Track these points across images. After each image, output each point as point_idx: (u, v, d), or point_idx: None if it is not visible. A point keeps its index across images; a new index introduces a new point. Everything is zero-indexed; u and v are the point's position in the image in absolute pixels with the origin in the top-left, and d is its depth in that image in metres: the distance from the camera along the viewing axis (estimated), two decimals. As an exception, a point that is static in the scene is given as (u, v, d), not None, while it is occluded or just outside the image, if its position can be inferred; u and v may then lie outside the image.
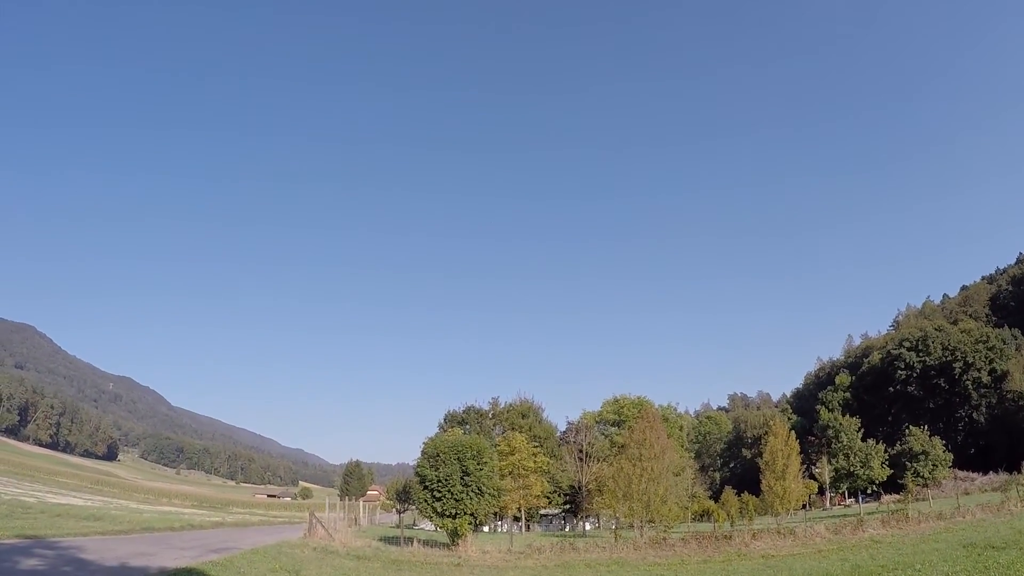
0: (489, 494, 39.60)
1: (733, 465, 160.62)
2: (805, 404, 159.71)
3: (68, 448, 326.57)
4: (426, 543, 42.08)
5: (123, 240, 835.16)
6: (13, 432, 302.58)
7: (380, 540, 44.18)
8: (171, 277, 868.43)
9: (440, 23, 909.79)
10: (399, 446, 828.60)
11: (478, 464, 39.19)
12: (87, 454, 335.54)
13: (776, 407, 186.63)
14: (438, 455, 39.31)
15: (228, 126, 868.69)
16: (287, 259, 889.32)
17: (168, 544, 28.89)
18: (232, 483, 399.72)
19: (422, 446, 41.39)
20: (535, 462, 66.78)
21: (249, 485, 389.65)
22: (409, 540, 42.77)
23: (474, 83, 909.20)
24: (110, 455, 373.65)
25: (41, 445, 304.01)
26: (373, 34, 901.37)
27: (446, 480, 38.60)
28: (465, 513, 38.59)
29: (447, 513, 38.73)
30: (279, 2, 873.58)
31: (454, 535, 39.34)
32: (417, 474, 41.21)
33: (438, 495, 38.78)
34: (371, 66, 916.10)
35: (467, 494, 38.56)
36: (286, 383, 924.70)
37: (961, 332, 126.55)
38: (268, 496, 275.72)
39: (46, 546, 23.97)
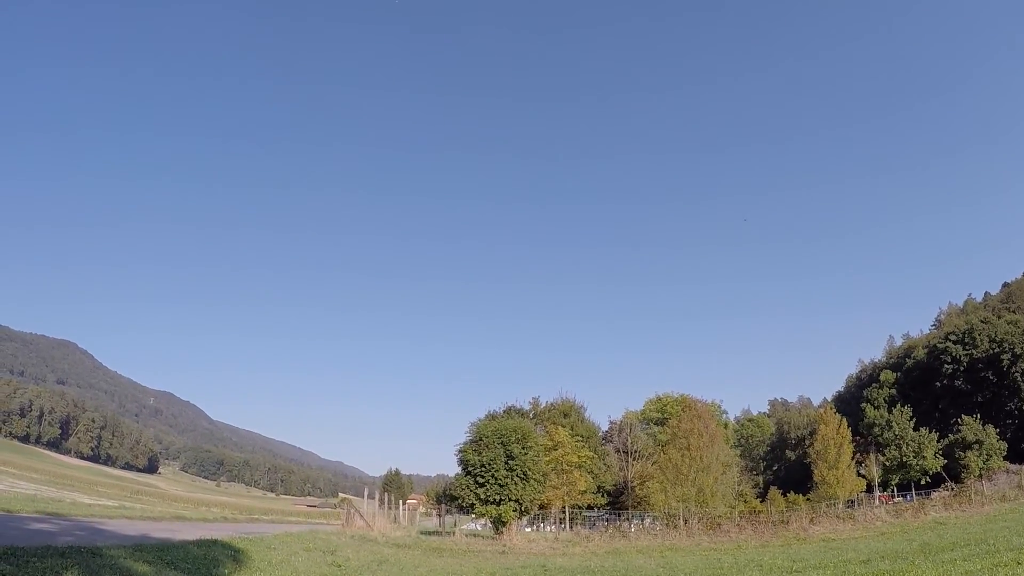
0: (535, 479, 38.23)
1: (776, 468, 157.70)
2: (848, 407, 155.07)
3: (109, 461, 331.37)
4: (469, 534, 41.09)
5: (162, 254, 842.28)
6: (55, 445, 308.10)
7: (421, 533, 43.25)
8: (211, 290, 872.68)
9: (442, 24, 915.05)
10: (439, 457, 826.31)
11: (523, 448, 37.96)
12: (128, 467, 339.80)
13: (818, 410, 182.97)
14: (481, 439, 38.23)
15: (266, 134, 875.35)
16: (327, 270, 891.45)
17: (197, 528, 28.12)
18: (272, 495, 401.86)
19: (466, 431, 40.36)
20: (579, 456, 65.12)
21: (289, 497, 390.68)
22: (450, 532, 41.83)
23: (511, 89, 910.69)
24: (151, 468, 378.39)
25: (82, 458, 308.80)
26: (373, 37, 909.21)
27: (489, 464, 37.40)
28: (510, 499, 37.30)
29: (491, 500, 37.47)
30: (280, 3, 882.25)
31: (498, 523, 38.16)
32: (459, 460, 40.10)
33: (481, 480, 37.58)
34: (380, 70, 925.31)
35: (512, 479, 37.28)
36: (326, 396, 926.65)
37: (1008, 324, 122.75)
38: (308, 506, 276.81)
39: (64, 520, 23.25)
